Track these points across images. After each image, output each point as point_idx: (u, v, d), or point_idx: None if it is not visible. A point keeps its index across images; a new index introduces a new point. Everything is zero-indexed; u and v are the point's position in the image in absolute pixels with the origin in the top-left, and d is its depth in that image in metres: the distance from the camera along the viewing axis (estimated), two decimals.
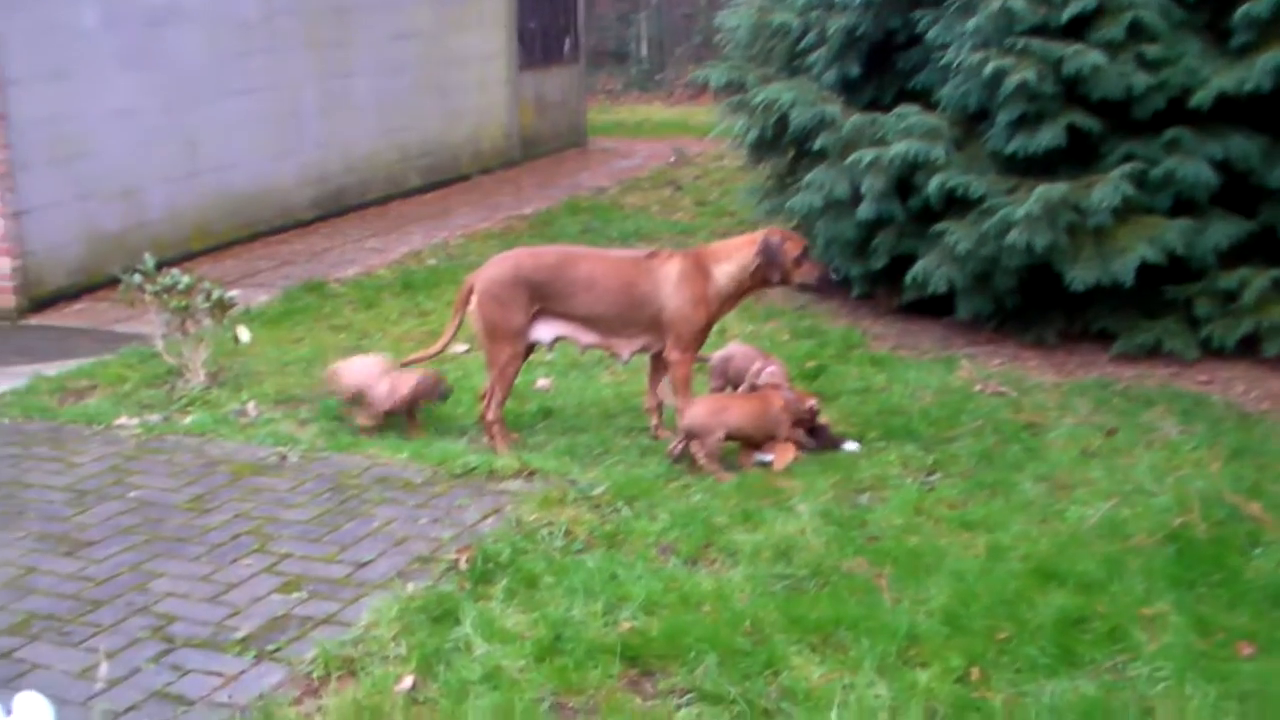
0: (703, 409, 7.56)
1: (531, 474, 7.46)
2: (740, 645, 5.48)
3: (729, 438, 7.56)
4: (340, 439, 8.12)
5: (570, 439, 8.07)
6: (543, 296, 7.82)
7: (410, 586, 6.10)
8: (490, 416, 7.95)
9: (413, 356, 8.53)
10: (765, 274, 7.86)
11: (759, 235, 7.93)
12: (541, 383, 9.03)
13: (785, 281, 7.96)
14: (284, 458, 7.89)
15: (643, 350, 8.01)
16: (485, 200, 16.70)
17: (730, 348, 8.55)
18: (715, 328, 8.28)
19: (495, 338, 7.85)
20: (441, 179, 17.67)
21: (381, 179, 16.47)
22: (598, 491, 7.11)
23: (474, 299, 7.89)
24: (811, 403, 7.79)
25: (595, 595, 5.92)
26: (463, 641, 5.59)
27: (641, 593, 5.92)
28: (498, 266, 7.94)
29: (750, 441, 7.63)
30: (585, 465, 7.59)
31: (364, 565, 6.42)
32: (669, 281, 7.81)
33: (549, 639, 5.56)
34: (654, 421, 8.23)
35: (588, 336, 7.96)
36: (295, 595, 6.12)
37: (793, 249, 7.85)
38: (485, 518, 6.92)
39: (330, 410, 8.58)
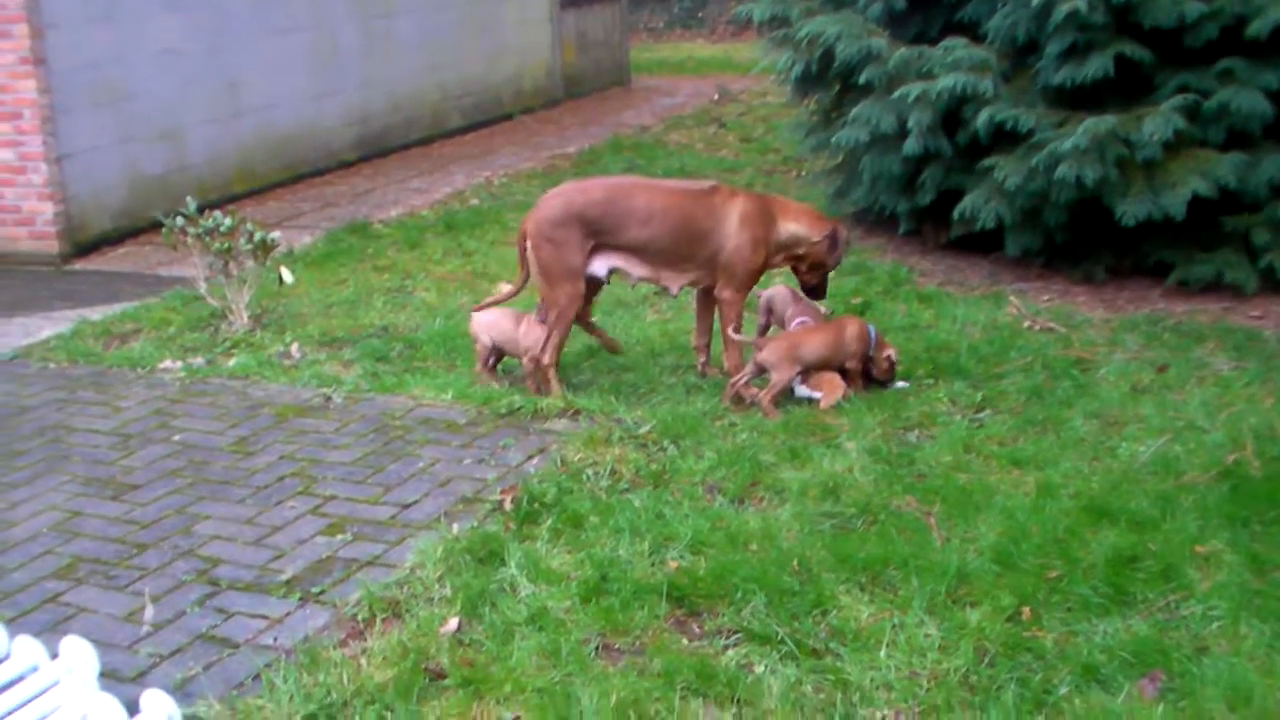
0: (781, 345, 7.51)
1: (576, 413, 7.41)
2: (788, 585, 5.43)
3: (805, 367, 7.53)
4: (384, 380, 8.10)
5: (615, 378, 8.04)
6: (596, 232, 7.63)
7: (455, 528, 6.08)
8: (546, 360, 7.75)
9: (487, 301, 8.27)
10: (816, 255, 7.88)
11: (830, 221, 7.98)
12: None
13: (820, 270, 8.00)
14: (328, 399, 7.88)
15: (691, 285, 7.90)
16: (528, 139, 16.64)
17: (774, 289, 8.47)
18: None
19: (552, 279, 7.65)
20: (484, 118, 17.62)
21: (424, 118, 16.42)
22: (643, 430, 7.07)
23: (529, 242, 7.71)
24: (890, 353, 7.72)
25: (641, 535, 5.88)
26: (508, 582, 5.56)
27: (688, 532, 5.88)
28: (548, 207, 7.68)
29: (826, 368, 7.58)
30: (631, 404, 7.54)
31: (408, 506, 6.40)
32: (731, 220, 7.68)
33: (595, 579, 5.52)
34: (701, 359, 8.18)
35: (639, 269, 7.78)
36: (340, 537, 6.10)
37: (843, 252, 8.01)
38: (530, 458, 6.88)
39: (375, 351, 8.56)
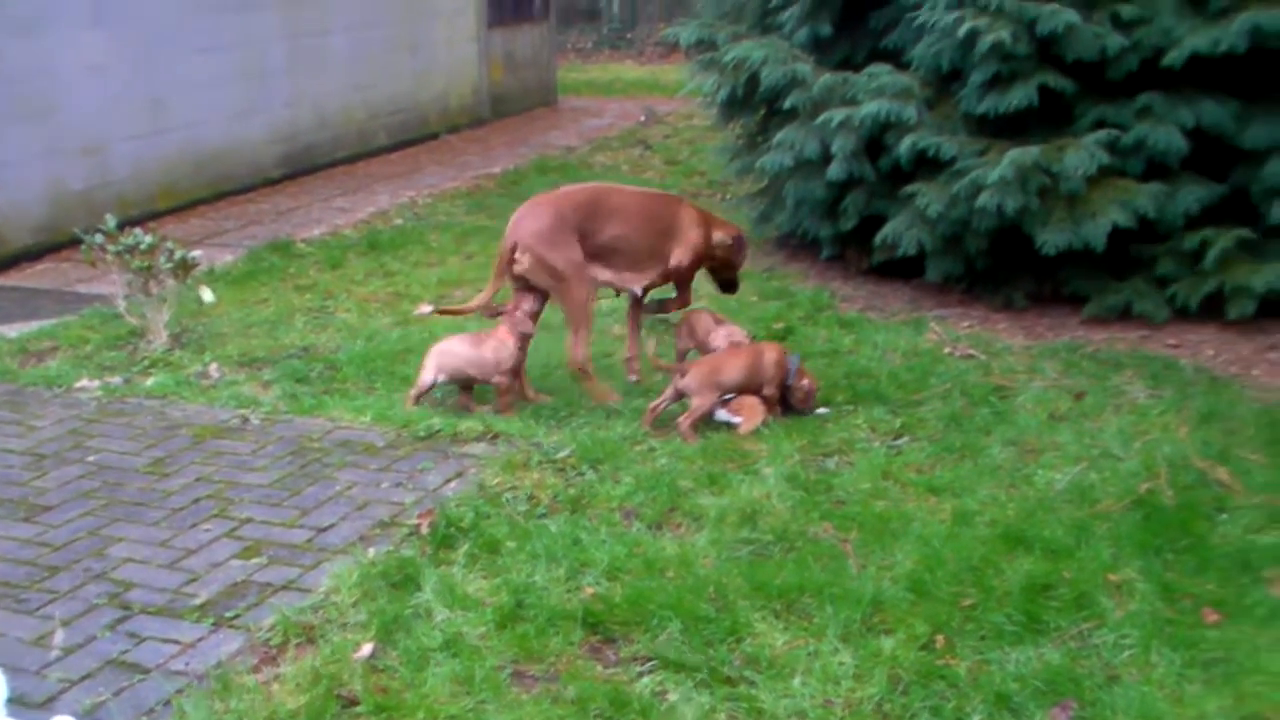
0: (702, 370, 7.52)
1: (495, 437, 7.41)
2: (704, 612, 5.42)
3: (726, 392, 7.55)
4: (303, 402, 8.05)
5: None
6: (581, 235, 7.87)
7: (371, 552, 6.04)
8: (581, 357, 7.93)
9: (447, 308, 8.44)
10: (727, 256, 8.42)
11: (734, 225, 8.55)
12: None
13: (728, 269, 8.55)
14: (246, 420, 7.83)
15: (647, 286, 8.24)
16: (454, 159, 16.61)
17: (694, 312, 8.49)
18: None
19: (567, 280, 7.80)
20: (410, 137, 17.58)
21: (350, 137, 16.37)
22: (562, 455, 7.07)
23: (523, 257, 7.75)
24: (807, 382, 7.74)
25: (558, 560, 5.87)
26: (423, 608, 5.54)
27: (605, 558, 5.87)
28: (538, 218, 7.83)
29: (745, 392, 7.60)
30: (550, 428, 7.53)
31: (325, 530, 6.36)
32: (685, 225, 8.21)
33: (510, 605, 5.50)
34: (632, 373, 8.41)
35: (605, 273, 8.04)
36: (255, 561, 6.06)
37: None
38: (448, 481, 6.87)
39: (294, 372, 8.52)
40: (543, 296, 7.98)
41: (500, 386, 7.84)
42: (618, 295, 8.55)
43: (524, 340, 7.86)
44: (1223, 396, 7.98)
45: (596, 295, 8.15)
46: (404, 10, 17.38)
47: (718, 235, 8.35)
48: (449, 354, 7.88)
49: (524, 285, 7.90)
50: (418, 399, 7.95)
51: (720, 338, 8.02)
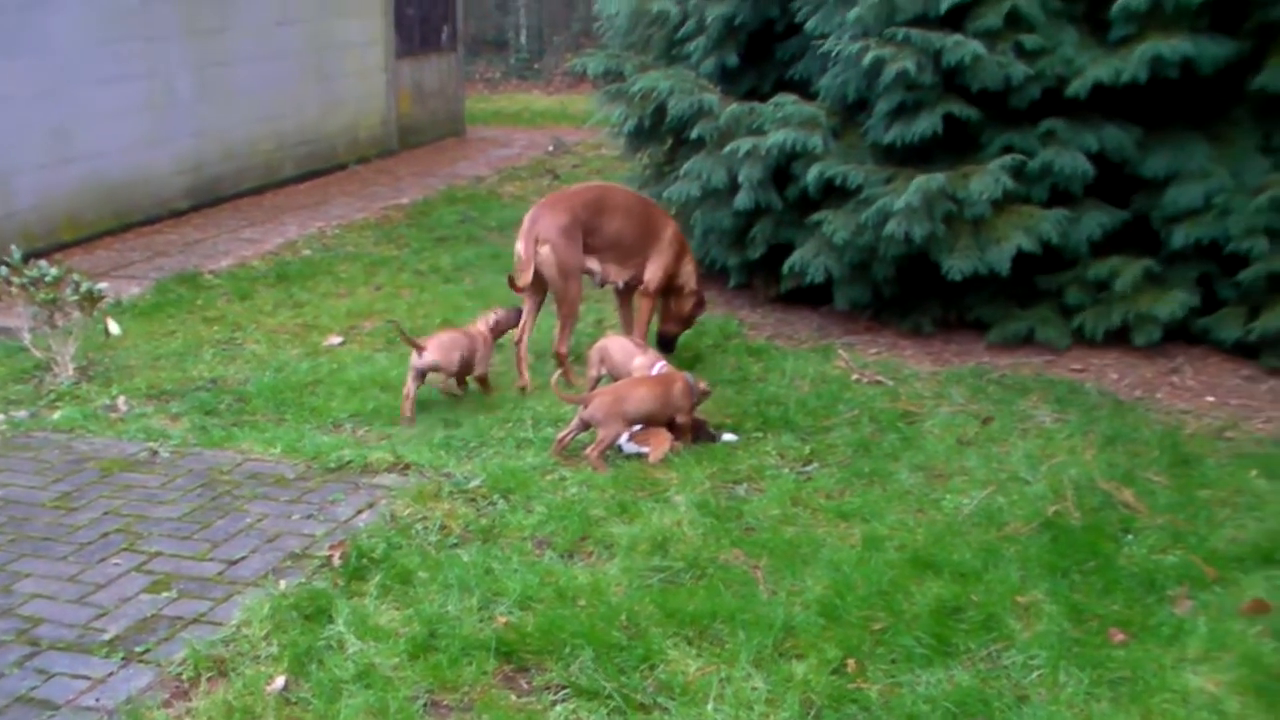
0: (605, 400, 7.52)
1: (406, 467, 7.39)
2: (616, 639, 5.45)
3: (632, 423, 7.57)
4: (212, 434, 8.00)
5: (447, 432, 8.00)
6: (586, 231, 8.78)
7: (282, 584, 6.02)
8: (564, 350, 8.76)
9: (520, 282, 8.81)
10: (682, 303, 9.28)
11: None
12: None
13: (677, 313, 9.31)
14: (155, 453, 7.77)
15: (626, 281, 9.10)
16: (362, 190, 16.54)
17: (608, 339, 8.53)
18: (595, 319, 9.12)
19: (569, 276, 8.69)
20: (319, 168, 17.49)
21: (258, 168, 16.27)
22: (473, 484, 7.07)
23: (543, 248, 8.58)
24: (704, 384, 7.81)
25: (470, 590, 5.87)
26: (335, 639, 5.52)
27: (517, 587, 5.87)
28: (558, 214, 8.68)
29: (653, 423, 7.62)
30: (461, 458, 7.53)
31: (235, 563, 6.33)
32: (669, 233, 9.13)
33: (423, 636, 5.50)
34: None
35: (596, 266, 8.94)
36: (165, 595, 6.02)
37: None
38: (359, 513, 6.85)
39: (203, 404, 8.46)
40: (517, 313, 8.83)
41: (482, 378, 8.59)
42: (600, 286, 9.31)
43: (497, 336, 8.74)
44: (1127, 420, 8.10)
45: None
46: (311, 41, 17.31)
47: (687, 269, 9.20)
48: (455, 346, 8.41)
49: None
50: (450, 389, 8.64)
51: (643, 365, 8.05)
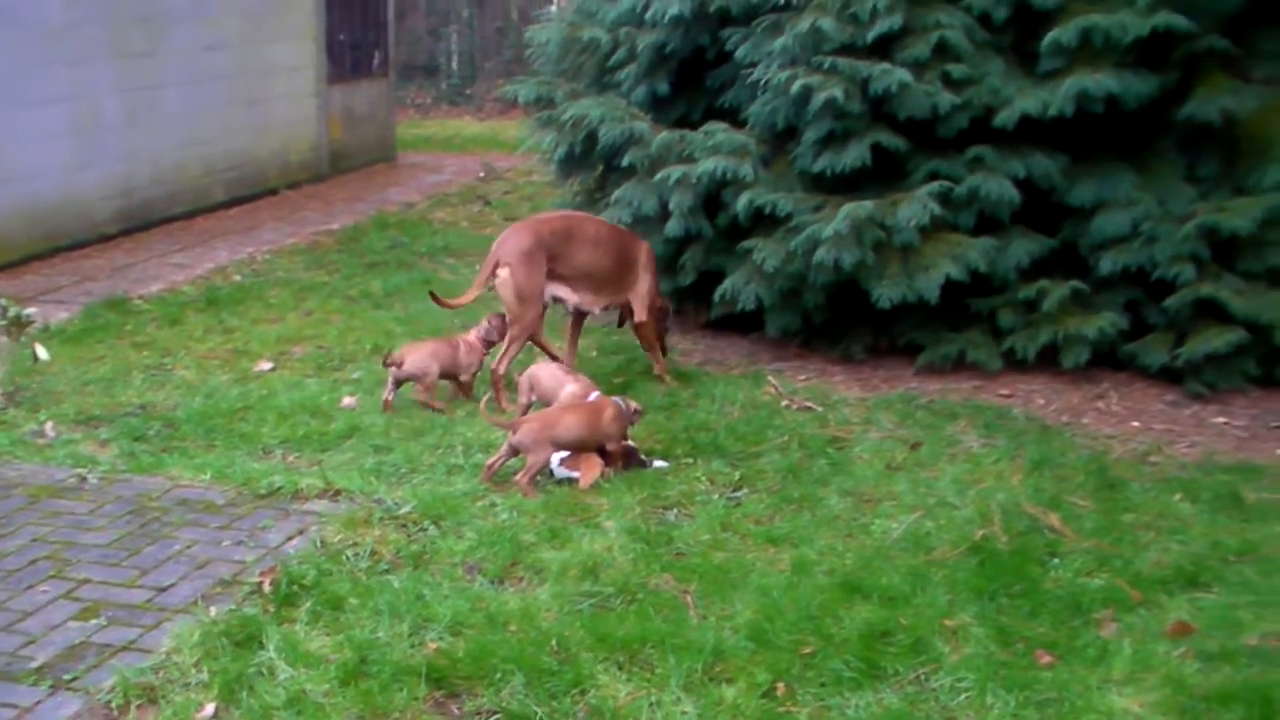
0: (533, 426, 7.53)
1: (337, 494, 7.38)
2: (547, 664, 5.46)
3: (561, 449, 7.57)
4: (141, 460, 7.95)
5: (378, 458, 7.97)
6: (552, 258, 8.91)
7: (212, 611, 5.99)
8: (501, 370, 8.89)
9: (449, 302, 9.32)
10: (648, 324, 9.46)
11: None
12: (347, 401, 8.93)
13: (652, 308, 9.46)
14: (83, 480, 7.71)
15: (604, 307, 9.41)
16: (292, 215, 16.50)
17: (539, 366, 8.56)
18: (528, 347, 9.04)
19: (525, 300, 8.84)
20: (249, 193, 17.43)
21: (188, 192, 16.20)
22: (404, 511, 7.06)
23: (502, 270, 8.77)
24: (636, 405, 7.85)
25: (401, 616, 5.86)
26: (266, 666, 5.50)
27: (447, 613, 5.88)
28: (521, 237, 8.87)
29: (583, 449, 7.63)
30: (392, 484, 7.52)
31: (165, 590, 6.29)
32: (644, 258, 9.40)
33: (354, 662, 5.49)
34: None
35: (573, 296, 9.16)
36: (94, 622, 5.97)
37: None
38: (289, 539, 6.83)
39: (132, 430, 8.41)
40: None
41: (465, 384, 9.04)
42: (575, 315, 9.56)
43: (488, 346, 9.07)
44: (1054, 444, 8.19)
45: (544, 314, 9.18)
46: (242, 66, 17.26)
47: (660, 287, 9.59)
48: (439, 354, 8.90)
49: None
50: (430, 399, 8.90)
51: (576, 394, 8.08)
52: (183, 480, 7.67)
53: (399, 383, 8.81)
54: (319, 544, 6.70)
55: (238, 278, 12.89)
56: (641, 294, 9.34)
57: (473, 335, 9.09)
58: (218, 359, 10.07)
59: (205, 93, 16.47)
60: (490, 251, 8.94)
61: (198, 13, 16.15)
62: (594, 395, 8.06)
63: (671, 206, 9.98)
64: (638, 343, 9.60)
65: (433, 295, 9.35)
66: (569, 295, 9.13)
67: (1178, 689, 5.36)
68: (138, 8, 15.05)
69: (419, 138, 23.76)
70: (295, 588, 6.17)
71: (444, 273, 13.04)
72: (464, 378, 9.04)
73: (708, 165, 9.69)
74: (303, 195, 18.08)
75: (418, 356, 8.83)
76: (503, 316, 9.02)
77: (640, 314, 9.36)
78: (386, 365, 8.80)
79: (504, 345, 8.98)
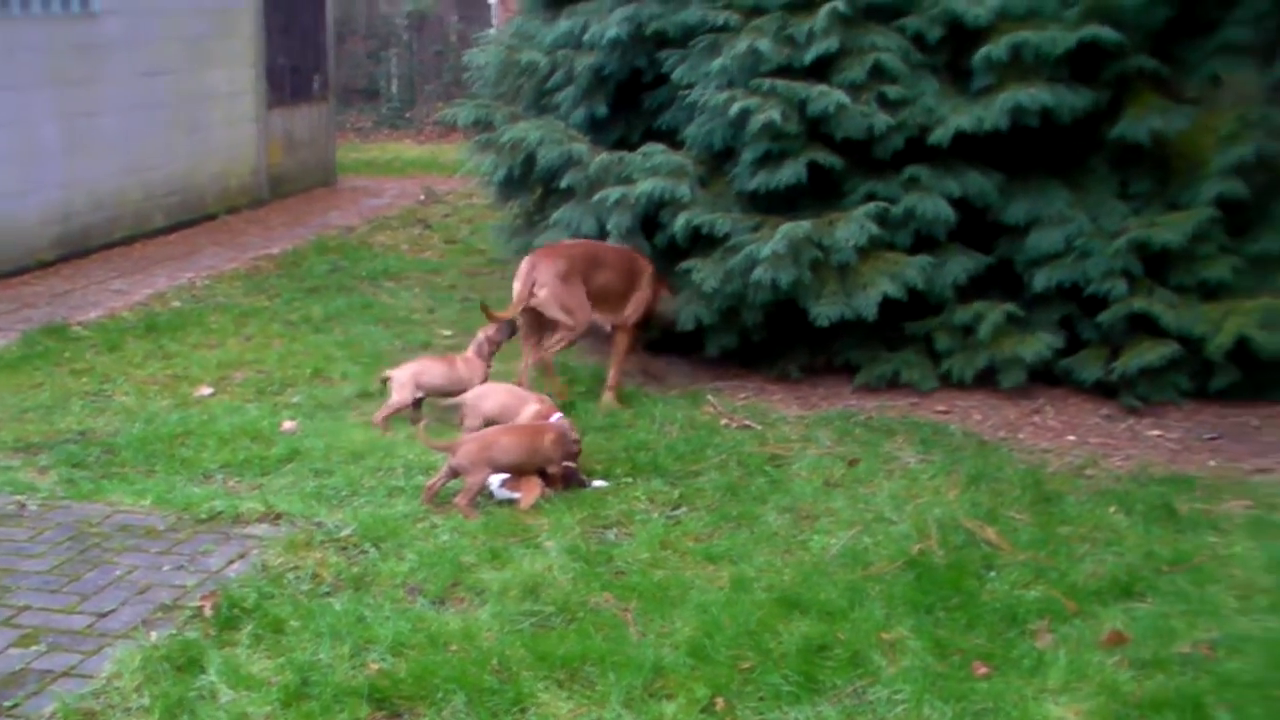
0: (471, 448, 7.56)
1: (278, 517, 7.37)
2: (488, 684, 5.49)
3: (499, 471, 7.60)
4: (81, 486, 7.92)
5: (318, 481, 7.96)
6: (582, 279, 9.40)
7: (153, 635, 5.98)
8: (549, 357, 9.45)
9: (498, 314, 9.43)
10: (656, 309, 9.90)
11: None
12: (288, 425, 8.92)
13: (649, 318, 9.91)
14: (23, 507, 7.67)
15: (613, 324, 9.72)
16: (233, 240, 16.46)
17: (486, 387, 8.61)
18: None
19: (573, 310, 9.32)
20: (189, 218, 17.35)
21: (128, 218, 16.12)
22: (345, 533, 7.07)
23: (541, 292, 9.22)
24: (575, 434, 7.90)
25: (342, 638, 5.87)
26: (207, 690, 5.51)
27: (389, 634, 5.89)
28: (555, 261, 9.33)
29: (522, 472, 7.66)
30: (332, 507, 7.52)
31: (105, 615, 6.28)
32: (647, 276, 9.73)
33: (295, 684, 5.50)
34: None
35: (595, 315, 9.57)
36: (34, 648, 5.95)
37: None
38: (230, 563, 6.82)
39: (71, 456, 8.38)
40: (509, 328, 9.39)
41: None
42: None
43: (489, 356, 9.27)
44: (990, 460, 8.28)
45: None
46: (181, 91, 17.20)
47: (664, 292, 9.91)
48: (427, 373, 9.04)
49: (532, 318, 9.41)
50: (389, 419, 8.89)
51: (536, 413, 8.12)
52: (123, 506, 7.64)
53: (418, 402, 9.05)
54: (260, 567, 6.70)
55: (177, 303, 12.85)
56: (638, 304, 9.70)
57: (470, 351, 9.26)
58: (157, 384, 10.04)
59: (144, 118, 16.42)
60: (521, 274, 9.32)
61: (136, 39, 16.09)
62: (556, 416, 8.08)
63: (610, 228, 10.02)
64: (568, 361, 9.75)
65: (483, 307, 9.59)
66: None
67: (1112, 697, 5.45)
68: (76, 34, 15.01)
69: (359, 161, 23.72)
70: (236, 611, 6.16)
71: (384, 296, 13.03)
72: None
73: (646, 186, 9.74)
74: (243, 220, 18.02)
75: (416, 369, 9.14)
76: (504, 324, 9.35)
77: (629, 319, 9.69)
78: (384, 382, 9.10)
79: (555, 336, 9.41)
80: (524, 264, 9.36)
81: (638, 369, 10.39)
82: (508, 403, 8.35)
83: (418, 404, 9.00)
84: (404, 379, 8.95)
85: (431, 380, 9.02)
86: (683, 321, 9.94)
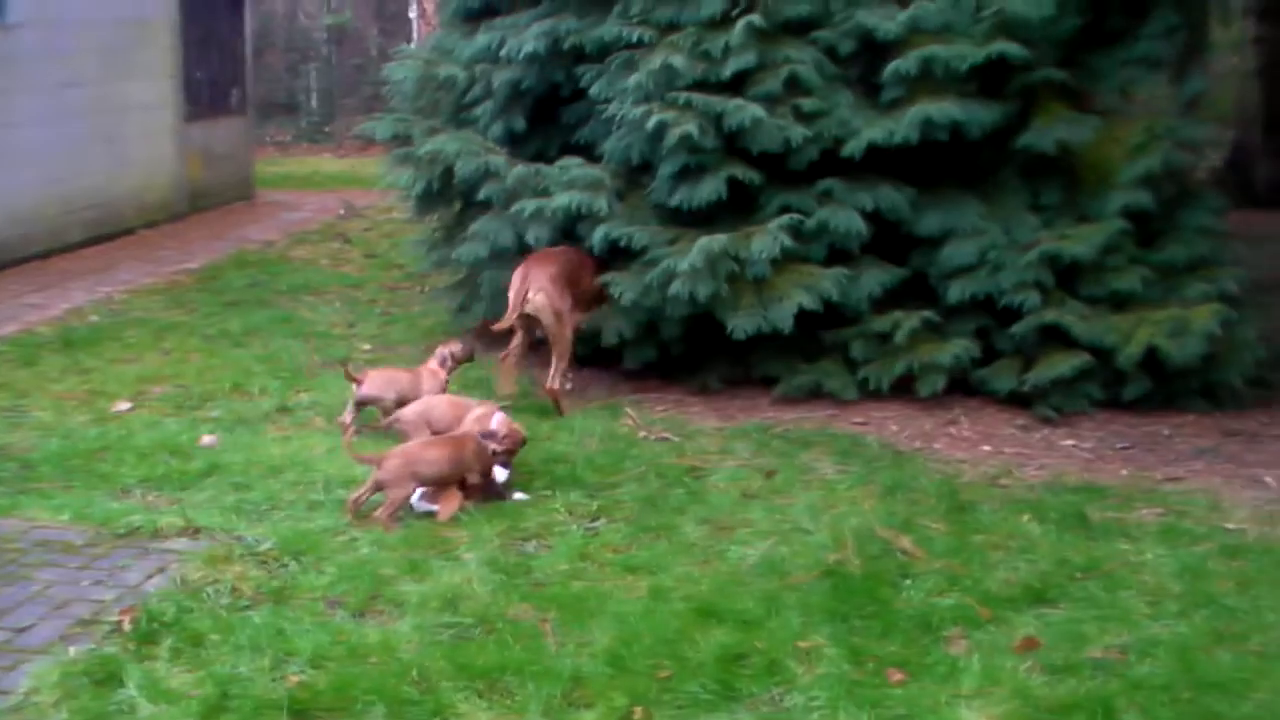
0: (397, 462, 7.57)
1: (197, 531, 7.34)
2: (408, 695, 5.51)
3: (424, 485, 7.62)
4: None
5: (238, 495, 7.93)
6: (569, 284, 9.65)
7: (72, 650, 5.95)
8: (555, 386, 9.52)
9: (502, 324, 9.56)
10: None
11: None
12: (207, 439, 8.89)
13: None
14: None
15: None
16: (151, 254, 16.37)
17: (434, 398, 8.65)
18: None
19: (563, 320, 9.50)
20: (106, 232, 17.24)
21: (43, 233, 15.99)
22: (264, 547, 7.05)
23: (537, 296, 9.39)
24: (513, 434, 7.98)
25: (262, 651, 5.87)
26: (127, 704, 5.49)
27: (309, 647, 5.90)
28: (547, 265, 9.59)
29: (445, 484, 7.68)
30: (252, 521, 7.50)
31: (23, 631, 6.24)
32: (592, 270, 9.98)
33: (215, 697, 5.50)
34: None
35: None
36: None
37: None
38: (149, 578, 6.79)
39: None
40: (473, 347, 9.71)
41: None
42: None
43: (451, 372, 9.37)
44: (906, 470, 8.37)
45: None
46: (99, 104, 17.10)
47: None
48: (395, 382, 9.14)
49: (524, 324, 9.62)
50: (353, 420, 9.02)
51: (483, 416, 8.13)
52: (40, 521, 7.59)
53: (359, 405, 9.09)
54: (179, 582, 6.67)
55: (95, 318, 12.78)
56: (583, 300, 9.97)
57: (433, 363, 9.34)
58: (75, 400, 9.99)
59: (60, 131, 16.31)
60: (514, 282, 9.49)
61: (53, 50, 15.98)
62: (498, 417, 8.08)
63: (529, 240, 10.06)
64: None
65: (485, 322, 10.19)
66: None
67: (1025, 701, 5.53)
68: None
69: (279, 175, 23.63)
70: (155, 625, 6.15)
71: (304, 310, 13.01)
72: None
73: (563, 199, 9.79)
74: (161, 234, 17.92)
75: (377, 379, 9.19)
76: (467, 344, 9.67)
77: (577, 316, 9.87)
78: (349, 379, 9.11)
79: (554, 363, 9.55)
80: (516, 272, 9.55)
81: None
82: (453, 414, 8.36)
83: (359, 408, 9.11)
84: (388, 383, 9.11)
85: (399, 390, 9.12)
86: (606, 336, 10.00)
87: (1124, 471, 8.59)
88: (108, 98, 17.39)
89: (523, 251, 10.15)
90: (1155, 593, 6.63)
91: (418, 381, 9.14)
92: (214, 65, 20.50)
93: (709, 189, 9.59)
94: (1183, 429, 9.39)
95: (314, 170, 25.00)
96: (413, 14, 30.79)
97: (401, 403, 8.87)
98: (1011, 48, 9.34)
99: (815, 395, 9.84)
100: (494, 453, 7.82)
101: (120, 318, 12.73)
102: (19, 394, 10.18)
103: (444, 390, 9.12)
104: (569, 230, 10.05)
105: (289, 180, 23.40)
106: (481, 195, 10.44)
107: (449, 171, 10.63)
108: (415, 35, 28.94)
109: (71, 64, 16.45)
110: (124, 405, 9.75)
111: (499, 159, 10.43)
